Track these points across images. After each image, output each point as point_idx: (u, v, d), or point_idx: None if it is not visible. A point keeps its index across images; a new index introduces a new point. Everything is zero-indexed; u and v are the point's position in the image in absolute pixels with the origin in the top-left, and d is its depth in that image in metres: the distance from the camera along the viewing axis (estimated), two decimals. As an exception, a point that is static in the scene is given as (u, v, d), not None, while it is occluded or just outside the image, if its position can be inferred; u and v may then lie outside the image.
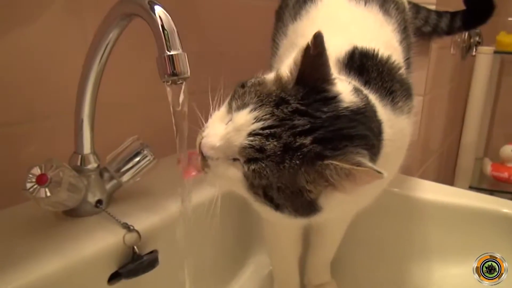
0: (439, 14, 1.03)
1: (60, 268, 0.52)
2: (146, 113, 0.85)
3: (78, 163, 0.61)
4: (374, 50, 0.57)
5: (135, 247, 0.59)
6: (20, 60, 0.65)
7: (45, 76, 0.68)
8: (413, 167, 1.12)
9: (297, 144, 0.44)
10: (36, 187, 0.54)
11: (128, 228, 0.59)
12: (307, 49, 0.46)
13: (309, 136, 0.44)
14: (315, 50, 0.45)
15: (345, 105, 0.47)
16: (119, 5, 0.54)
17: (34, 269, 0.50)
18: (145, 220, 0.62)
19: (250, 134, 0.46)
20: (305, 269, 0.78)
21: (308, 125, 0.45)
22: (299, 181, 0.45)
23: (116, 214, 0.61)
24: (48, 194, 0.54)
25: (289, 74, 0.49)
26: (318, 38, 0.45)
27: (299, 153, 0.44)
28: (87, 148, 0.62)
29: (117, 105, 0.79)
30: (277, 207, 0.48)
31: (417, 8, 0.99)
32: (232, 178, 0.48)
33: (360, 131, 0.46)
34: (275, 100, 0.46)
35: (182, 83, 0.51)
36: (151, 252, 0.61)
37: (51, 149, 0.68)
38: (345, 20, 0.66)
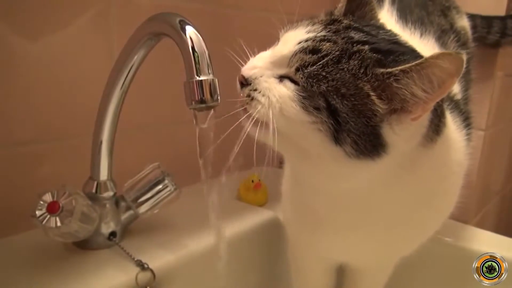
0: None
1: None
2: (169, 137, 0.85)
3: (93, 190, 0.61)
4: None
5: (148, 288, 0.57)
6: (41, 75, 0.65)
7: (65, 94, 0.68)
8: (469, 212, 1.06)
9: (355, 49, 0.44)
10: (46, 215, 0.54)
11: (142, 266, 0.59)
12: None
13: (367, 45, 0.44)
14: None
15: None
16: (148, 23, 0.54)
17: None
18: (161, 258, 0.62)
19: (301, 42, 0.45)
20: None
21: (365, 38, 0.45)
22: (362, 87, 0.43)
23: (130, 249, 0.61)
24: (59, 224, 0.54)
25: (336, 13, 0.52)
26: None
27: (358, 55, 0.43)
28: (103, 174, 0.61)
29: (138, 128, 0.79)
30: (338, 134, 0.43)
31: (488, 21, 0.94)
32: (282, 97, 0.44)
33: None
34: (326, 20, 0.48)
35: (210, 110, 0.50)
36: (165, 295, 0.60)
37: (65, 171, 0.69)
38: None
